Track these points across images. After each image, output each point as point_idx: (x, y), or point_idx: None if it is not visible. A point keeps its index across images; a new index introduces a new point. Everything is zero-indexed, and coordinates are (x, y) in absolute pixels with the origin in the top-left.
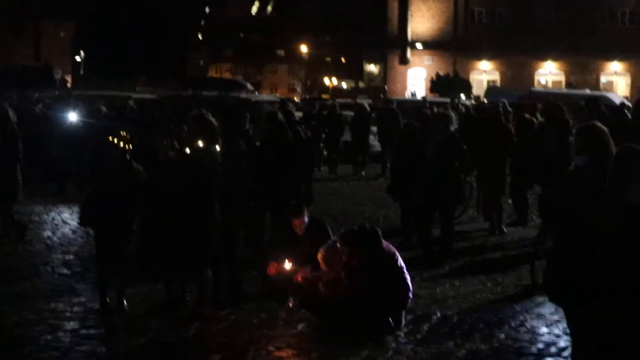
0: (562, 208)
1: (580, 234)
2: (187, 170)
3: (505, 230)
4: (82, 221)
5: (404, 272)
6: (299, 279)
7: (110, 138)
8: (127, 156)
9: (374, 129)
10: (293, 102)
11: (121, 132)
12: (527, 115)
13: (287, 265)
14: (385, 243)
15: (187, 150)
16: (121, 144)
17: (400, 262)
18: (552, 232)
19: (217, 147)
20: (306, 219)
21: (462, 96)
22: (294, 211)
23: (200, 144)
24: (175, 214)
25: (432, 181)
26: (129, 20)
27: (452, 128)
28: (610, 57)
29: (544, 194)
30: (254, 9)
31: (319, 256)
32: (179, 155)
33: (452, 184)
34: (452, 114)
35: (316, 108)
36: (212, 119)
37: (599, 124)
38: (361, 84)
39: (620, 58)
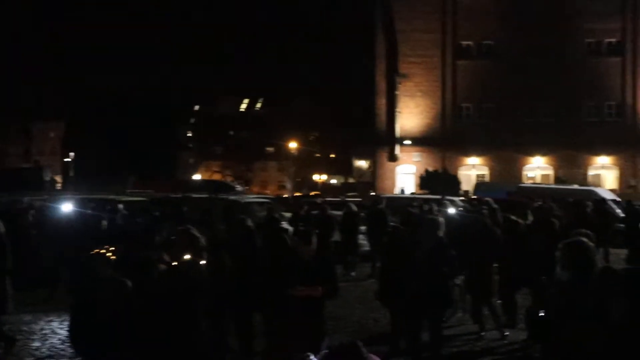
0: (547, 323)
1: (564, 348)
2: (175, 284)
3: (506, 332)
4: (73, 348)
5: None
6: None
7: (95, 253)
8: (111, 271)
9: (364, 228)
10: (283, 201)
11: (106, 247)
12: (513, 217)
13: None
14: (368, 356)
15: (175, 264)
16: (106, 258)
17: None
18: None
19: (203, 261)
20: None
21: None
22: None
23: (187, 257)
24: (163, 326)
25: (421, 287)
26: (119, 120)
27: (441, 233)
28: (597, 152)
29: (530, 308)
30: (243, 106)
31: None
32: (167, 269)
33: (441, 290)
34: (441, 219)
35: (305, 209)
36: (198, 234)
37: (584, 241)
38: (351, 180)
39: (608, 152)
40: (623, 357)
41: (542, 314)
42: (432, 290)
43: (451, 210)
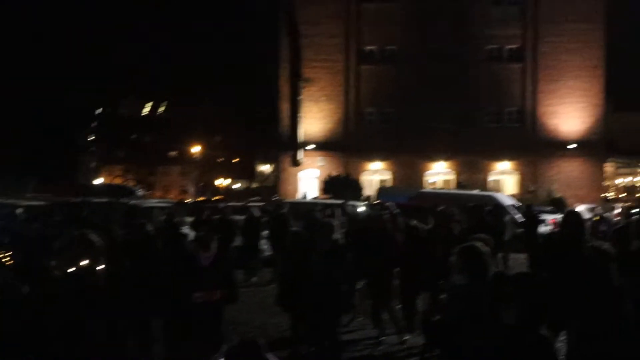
0: (442, 327)
1: (459, 353)
2: (71, 290)
3: (405, 337)
4: None
5: None
6: None
7: None
8: (6, 276)
9: (266, 232)
10: (185, 206)
11: (2, 252)
12: (413, 222)
13: None
14: (267, 354)
15: (72, 270)
16: (1, 263)
17: None
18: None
19: (100, 267)
20: None
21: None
22: None
23: (84, 263)
24: (59, 332)
25: (319, 290)
26: (17, 122)
27: (336, 236)
28: (498, 157)
29: (426, 312)
30: (146, 110)
31: None
32: (64, 275)
33: (337, 294)
34: (335, 222)
35: (206, 213)
36: (96, 238)
37: (478, 245)
38: (254, 185)
39: (508, 157)
40: None
41: (438, 318)
42: (328, 294)
43: (353, 214)
